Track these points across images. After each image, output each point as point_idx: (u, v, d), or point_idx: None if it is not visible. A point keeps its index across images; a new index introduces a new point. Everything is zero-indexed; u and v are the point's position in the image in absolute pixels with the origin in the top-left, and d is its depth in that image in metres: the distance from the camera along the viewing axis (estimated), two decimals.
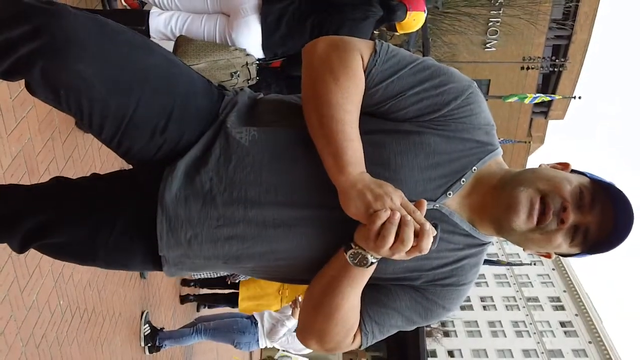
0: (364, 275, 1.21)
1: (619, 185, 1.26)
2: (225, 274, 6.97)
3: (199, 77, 1.36)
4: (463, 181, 1.26)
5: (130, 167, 1.44)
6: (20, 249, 1.40)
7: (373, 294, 1.31)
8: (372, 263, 1.17)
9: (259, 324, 5.74)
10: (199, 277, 7.05)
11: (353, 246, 1.16)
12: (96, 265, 1.45)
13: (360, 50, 1.23)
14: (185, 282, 7.02)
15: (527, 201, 1.20)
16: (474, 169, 1.27)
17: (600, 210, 1.21)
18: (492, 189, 1.26)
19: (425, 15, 3.61)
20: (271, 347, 5.87)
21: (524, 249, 1.32)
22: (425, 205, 1.14)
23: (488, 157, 1.29)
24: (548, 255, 1.34)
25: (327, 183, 1.19)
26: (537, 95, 16.79)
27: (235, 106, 1.34)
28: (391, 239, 1.09)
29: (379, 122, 1.27)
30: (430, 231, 1.11)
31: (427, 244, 1.10)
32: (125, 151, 1.32)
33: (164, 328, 5.56)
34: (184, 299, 6.99)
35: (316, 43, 1.26)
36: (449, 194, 1.25)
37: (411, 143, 1.23)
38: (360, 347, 1.37)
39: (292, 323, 5.72)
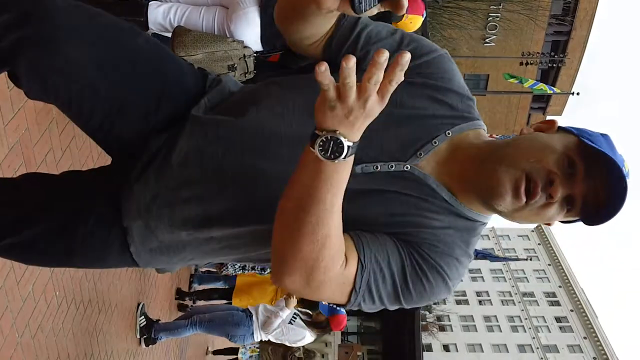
0: (342, 173, 0.98)
1: (611, 136, 1.18)
2: (218, 285, 7.05)
3: (182, 59, 1.36)
4: (435, 142, 1.18)
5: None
6: None
7: (367, 233, 1.15)
8: (348, 148, 0.94)
9: (254, 317, 5.75)
10: (196, 286, 7.12)
11: (319, 133, 0.94)
12: (71, 264, 1.39)
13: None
14: (181, 297, 7.04)
15: (511, 183, 1.11)
16: (448, 133, 1.20)
17: (591, 177, 1.12)
18: (471, 160, 1.17)
19: (423, 19, 3.62)
20: (266, 339, 5.89)
21: (517, 223, 1.23)
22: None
23: (466, 126, 1.22)
24: (547, 224, 1.23)
25: (290, 135, 1.16)
26: (537, 82, 16.82)
27: (218, 84, 1.34)
28: (352, 80, 0.88)
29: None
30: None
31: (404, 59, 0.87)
32: (115, 138, 1.28)
33: (159, 320, 5.57)
34: (180, 307, 7.00)
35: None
36: (420, 154, 1.18)
37: None
38: (352, 291, 1.11)
39: (287, 314, 5.74)
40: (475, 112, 1.26)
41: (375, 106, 0.92)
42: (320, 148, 0.94)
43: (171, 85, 1.27)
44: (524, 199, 1.11)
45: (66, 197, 1.31)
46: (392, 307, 1.20)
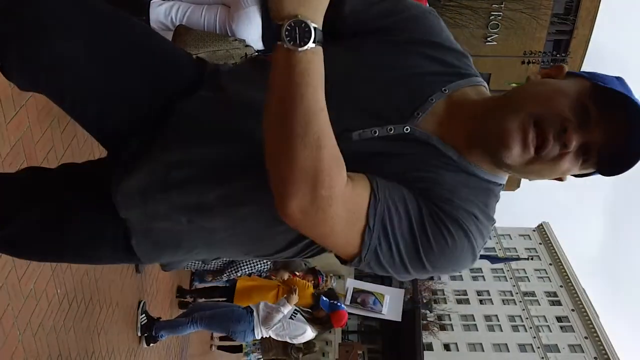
0: (317, 63, 0.92)
1: (625, 79, 1.08)
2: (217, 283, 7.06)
3: (177, 47, 1.34)
4: (432, 100, 1.11)
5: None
6: None
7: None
8: (315, 29, 0.89)
9: (255, 313, 5.77)
10: (197, 284, 7.13)
11: (281, 23, 0.90)
12: (65, 257, 1.38)
13: None
14: (181, 295, 7.04)
15: (519, 130, 1.02)
16: (445, 90, 1.12)
17: (608, 122, 1.01)
18: (474, 116, 1.09)
19: None
20: (267, 336, 5.90)
21: (529, 180, 1.14)
22: None
23: (463, 82, 1.14)
24: (560, 179, 1.12)
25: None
26: None
27: (217, 71, 1.30)
28: None
29: (339, 43, 1.17)
30: None
31: None
32: (109, 128, 1.26)
33: (160, 318, 5.57)
34: (181, 304, 7.01)
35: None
36: (418, 114, 1.10)
37: (367, 56, 1.13)
38: (365, 227, 1.00)
39: (288, 309, 5.75)
40: (472, 69, 1.19)
41: None
42: (288, 38, 0.89)
43: (165, 74, 1.24)
44: (532, 149, 1.02)
45: (60, 188, 1.29)
46: (413, 269, 1.07)
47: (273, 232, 1.18)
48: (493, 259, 13.71)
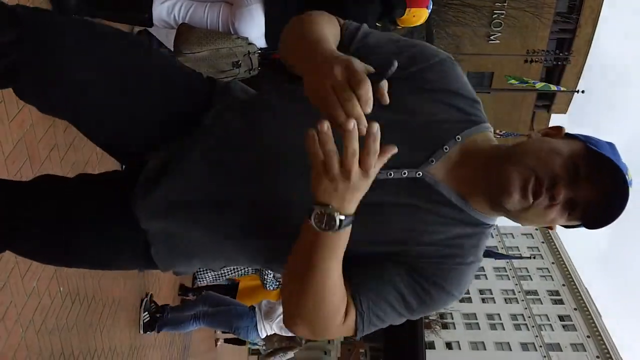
0: (339, 241, 1.05)
1: (617, 146, 1.21)
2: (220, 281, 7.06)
3: (187, 67, 1.37)
4: (446, 149, 1.20)
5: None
6: None
7: (366, 270, 1.21)
8: (341, 222, 1.00)
9: (257, 309, 5.80)
10: (199, 282, 7.12)
11: (314, 207, 1.01)
12: (83, 265, 1.44)
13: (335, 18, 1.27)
14: (184, 293, 7.04)
15: (520, 180, 1.14)
16: (458, 138, 1.21)
17: (594, 182, 1.14)
18: (480, 164, 1.20)
19: (428, 11, 3.58)
20: (271, 333, 5.90)
21: (521, 224, 1.26)
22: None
23: (474, 129, 1.23)
24: (550, 227, 1.25)
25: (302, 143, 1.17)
26: (536, 82, 16.72)
27: (228, 91, 1.35)
28: (332, 147, 0.93)
29: None
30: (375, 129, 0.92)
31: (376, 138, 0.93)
32: (123, 149, 1.32)
33: (168, 305, 5.61)
34: (184, 302, 7.01)
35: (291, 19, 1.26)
36: (432, 161, 1.19)
37: (392, 100, 1.17)
38: (355, 332, 1.22)
39: None
40: (482, 114, 1.27)
41: (360, 180, 0.96)
42: (317, 220, 1.01)
43: (177, 97, 1.29)
44: (531, 199, 1.14)
45: (81, 201, 1.34)
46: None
47: (284, 260, 1.28)
48: (497, 255, 13.69)
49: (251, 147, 1.23)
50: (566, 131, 1.25)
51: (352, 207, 1.01)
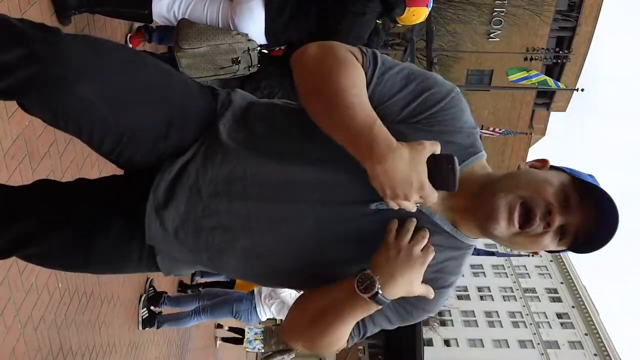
0: (366, 307, 1.23)
1: (598, 178, 1.29)
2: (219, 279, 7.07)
3: (192, 81, 1.39)
4: None
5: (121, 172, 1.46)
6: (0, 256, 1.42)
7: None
8: (376, 294, 1.18)
9: (256, 292, 5.88)
10: (198, 279, 7.13)
11: (366, 269, 1.20)
12: (89, 271, 1.49)
13: (351, 51, 1.26)
14: (183, 289, 7.05)
15: (506, 207, 1.21)
16: None
17: (585, 209, 1.21)
18: (474, 193, 1.26)
19: (428, 10, 3.58)
20: (271, 316, 5.93)
21: (513, 250, 1.34)
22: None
23: (470, 160, 1.29)
24: (535, 253, 1.35)
25: (312, 181, 1.22)
26: (538, 73, 16.59)
27: (230, 105, 1.37)
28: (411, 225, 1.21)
29: None
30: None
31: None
32: (125, 161, 1.34)
33: (167, 293, 5.64)
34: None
35: (306, 48, 1.26)
36: None
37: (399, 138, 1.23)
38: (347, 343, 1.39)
39: (292, 292, 5.80)
40: (478, 142, 1.33)
41: (417, 259, 1.20)
42: (360, 281, 1.20)
43: (181, 111, 1.31)
44: (517, 225, 1.21)
45: (82, 208, 1.37)
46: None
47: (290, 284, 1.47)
48: (498, 253, 13.73)
49: (256, 198, 1.28)
50: (551, 164, 1.33)
51: (393, 290, 1.20)
